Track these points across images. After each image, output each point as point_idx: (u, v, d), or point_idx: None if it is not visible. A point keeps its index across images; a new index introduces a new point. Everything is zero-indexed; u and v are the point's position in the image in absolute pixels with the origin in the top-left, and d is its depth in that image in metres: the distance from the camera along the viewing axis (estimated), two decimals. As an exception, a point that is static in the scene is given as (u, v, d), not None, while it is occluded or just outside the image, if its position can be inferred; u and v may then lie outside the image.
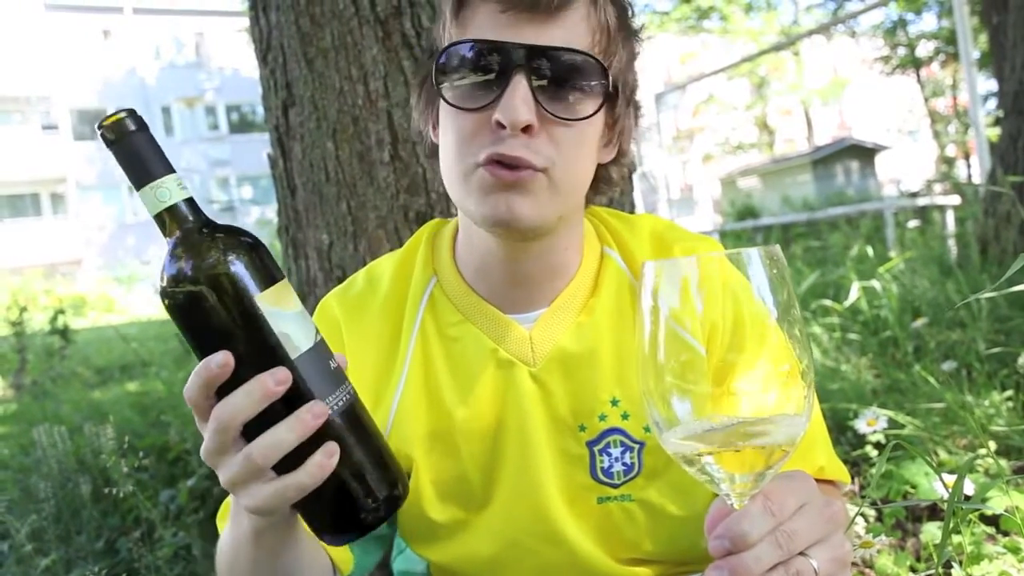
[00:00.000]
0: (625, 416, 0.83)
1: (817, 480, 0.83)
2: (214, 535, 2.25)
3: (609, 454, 0.84)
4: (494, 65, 0.73)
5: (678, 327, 0.53)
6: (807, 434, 0.54)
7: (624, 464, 0.83)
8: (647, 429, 0.82)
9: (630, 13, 0.84)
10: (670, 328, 0.53)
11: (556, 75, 0.73)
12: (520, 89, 0.72)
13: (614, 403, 0.83)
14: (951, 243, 4.20)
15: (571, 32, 0.74)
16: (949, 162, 19.73)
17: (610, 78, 0.77)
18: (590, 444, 0.84)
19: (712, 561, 0.53)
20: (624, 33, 0.81)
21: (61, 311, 6.21)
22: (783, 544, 0.53)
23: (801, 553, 0.54)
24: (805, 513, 0.55)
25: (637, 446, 0.83)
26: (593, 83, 0.75)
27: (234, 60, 30.36)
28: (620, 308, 0.86)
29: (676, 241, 0.88)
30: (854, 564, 1.24)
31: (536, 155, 0.74)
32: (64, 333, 6.05)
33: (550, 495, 0.84)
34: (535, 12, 0.72)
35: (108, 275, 22.98)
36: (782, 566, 0.53)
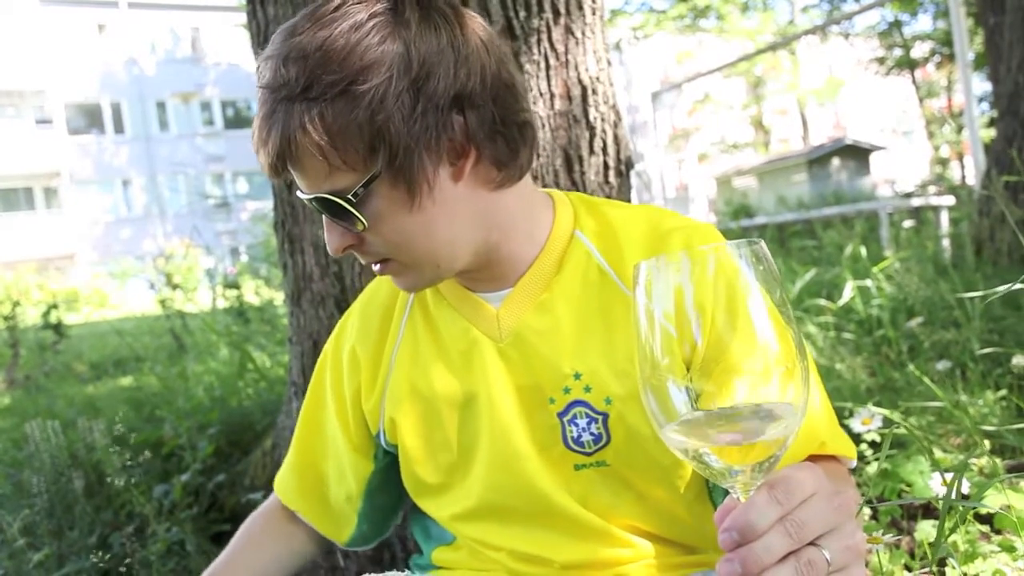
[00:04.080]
0: (587, 389, 0.87)
1: (820, 456, 0.84)
2: (208, 530, 2.24)
3: (576, 424, 0.88)
4: (311, 206, 0.83)
5: (669, 324, 0.53)
6: (807, 410, 0.54)
7: (592, 434, 0.87)
8: (608, 401, 0.86)
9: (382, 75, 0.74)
10: (663, 324, 0.53)
11: (329, 210, 0.80)
12: (327, 227, 0.83)
13: (576, 377, 0.87)
14: (946, 243, 4.21)
15: (310, 175, 0.78)
16: (943, 163, 19.80)
17: (367, 178, 0.77)
18: (560, 415, 0.88)
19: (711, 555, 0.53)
20: (375, 105, 0.74)
21: (54, 306, 6.19)
22: (792, 533, 0.52)
23: (812, 543, 0.53)
24: (814, 502, 0.54)
25: (601, 417, 0.87)
26: (348, 201, 0.78)
27: (230, 55, 30.28)
28: (584, 287, 0.89)
29: (676, 229, 0.89)
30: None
31: (375, 254, 0.84)
32: (57, 328, 6.03)
33: (529, 460, 0.89)
34: (288, 171, 0.80)
35: (102, 270, 22.91)
36: (793, 556, 0.52)
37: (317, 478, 1.06)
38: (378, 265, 0.85)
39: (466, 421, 0.92)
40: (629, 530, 0.90)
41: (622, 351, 0.86)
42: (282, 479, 1.09)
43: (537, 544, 0.90)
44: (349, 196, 0.77)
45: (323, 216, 0.82)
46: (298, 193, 0.82)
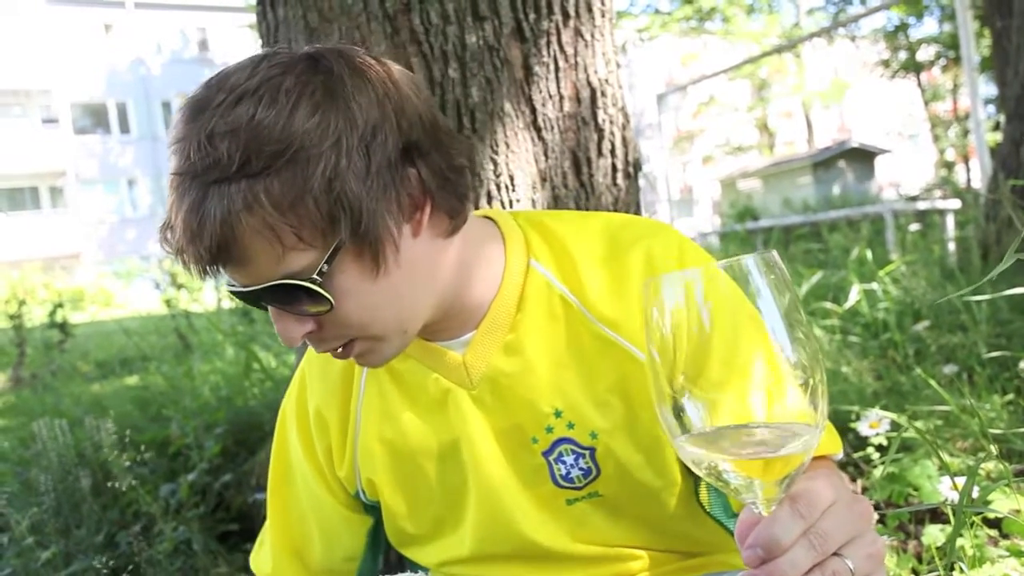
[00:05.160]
0: (570, 426, 0.85)
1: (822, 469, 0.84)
2: (214, 530, 2.24)
3: (564, 462, 0.86)
4: (249, 303, 0.75)
5: (682, 338, 0.52)
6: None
7: (580, 469, 0.85)
8: (593, 435, 0.84)
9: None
10: (676, 338, 0.52)
11: (284, 298, 0.72)
12: (277, 318, 0.74)
13: (557, 414, 0.85)
14: (952, 247, 4.20)
15: (259, 264, 0.69)
16: (949, 166, 19.75)
17: (330, 252, 0.70)
18: (545, 454, 0.86)
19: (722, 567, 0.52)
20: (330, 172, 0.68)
21: (60, 305, 6.21)
22: (817, 546, 0.52)
23: (835, 554, 0.54)
24: (835, 512, 0.54)
25: (587, 452, 0.85)
26: (313, 281, 0.70)
27: (236, 55, 30.34)
28: (549, 320, 0.85)
29: (634, 241, 0.85)
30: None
31: (337, 339, 0.77)
32: (63, 327, 6.05)
33: (517, 508, 0.87)
34: (225, 266, 0.71)
35: (107, 269, 22.98)
36: (818, 568, 0.52)
37: (302, 551, 0.99)
38: (340, 349, 0.78)
39: (449, 472, 0.89)
40: (626, 548, 0.90)
41: (600, 383, 0.84)
42: (273, 566, 0.99)
43: (534, 574, 0.90)
44: (313, 276, 0.70)
45: (270, 307, 0.73)
46: (231, 289, 0.73)
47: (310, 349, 0.96)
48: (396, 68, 0.76)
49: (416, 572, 1.02)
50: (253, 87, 0.67)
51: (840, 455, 0.87)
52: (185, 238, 0.68)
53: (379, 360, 0.81)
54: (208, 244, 0.67)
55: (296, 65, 0.69)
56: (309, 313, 0.73)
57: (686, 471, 0.87)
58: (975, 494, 1.22)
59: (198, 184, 0.66)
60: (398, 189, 0.72)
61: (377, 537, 1.01)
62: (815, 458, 0.84)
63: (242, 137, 0.65)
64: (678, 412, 0.52)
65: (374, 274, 0.72)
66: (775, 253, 0.53)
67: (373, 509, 0.98)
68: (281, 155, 0.66)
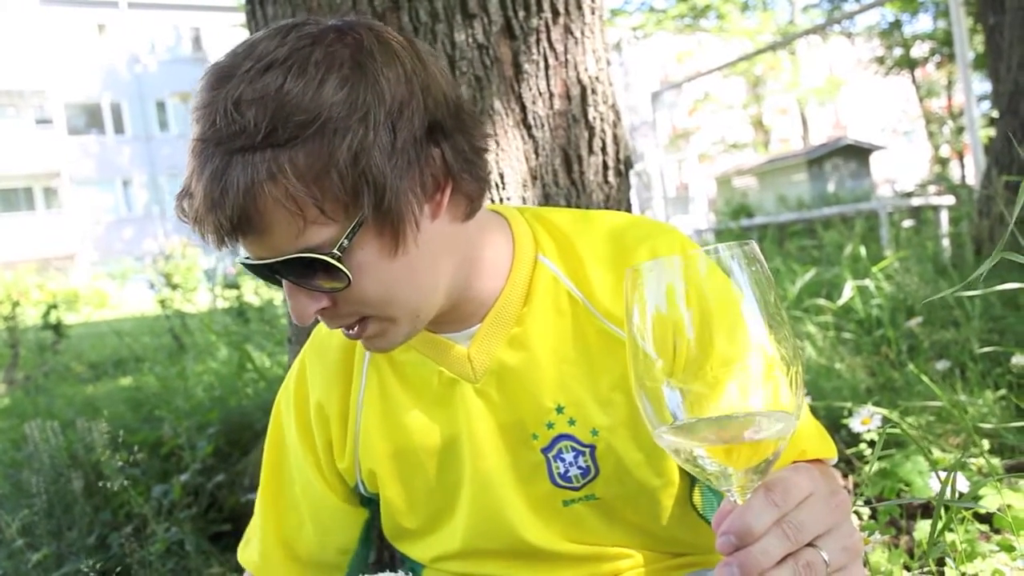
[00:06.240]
0: (572, 422, 0.84)
1: (802, 461, 0.83)
2: (207, 531, 2.23)
3: (563, 459, 0.85)
4: (263, 277, 0.74)
5: (662, 326, 0.52)
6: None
7: (579, 467, 0.85)
8: (594, 432, 0.84)
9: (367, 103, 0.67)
10: (657, 326, 0.52)
11: (301, 272, 0.70)
12: (292, 294, 0.72)
13: (559, 410, 0.84)
14: (945, 243, 4.21)
15: (278, 236, 0.68)
16: (943, 162, 19.79)
17: (351, 227, 0.69)
18: (544, 451, 0.85)
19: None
20: (354, 148, 0.66)
21: (54, 306, 6.20)
22: (790, 535, 0.52)
23: (810, 544, 0.53)
24: (811, 503, 0.54)
25: (588, 449, 0.84)
26: (334, 256, 0.69)
27: (229, 55, 30.24)
28: (556, 315, 0.85)
29: (639, 241, 0.85)
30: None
31: (350, 316, 0.75)
32: (57, 328, 6.04)
33: (510, 505, 0.86)
34: (244, 237, 0.69)
35: (102, 270, 22.93)
36: (791, 558, 0.52)
37: (293, 542, 0.97)
38: (354, 329, 0.77)
39: (447, 465, 0.89)
40: (618, 547, 0.90)
41: (604, 380, 0.84)
42: (262, 557, 0.97)
43: (525, 572, 0.90)
44: (333, 251, 0.68)
45: (284, 282, 0.72)
46: (246, 262, 0.72)
47: (310, 340, 0.96)
48: (423, 47, 0.74)
49: (407, 570, 1.02)
50: (282, 57, 0.66)
51: (835, 460, 0.87)
52: (205, 206, 0.66)
53: (387, 345, 0.79)
54: (229, 213, 0.65)
55: (325, 36, 0.68)
56: (324, 289, 0.72)
57: (683, 472, 0.87)
58: (967, 490, 1.22)
59: (222, 151, 0.65)
60: (422, 168, 0.71)
61: (371, 530, 1.01)
62: (809, 461, 0.84)
63: (269, 106, 0.64)
64: (657, 400, 0.53)
65: (393, 252, 0.71)
66: (754, 244, 0.52)
67: (370, 502, 0.97)
68: (308, 126, 0.64)
